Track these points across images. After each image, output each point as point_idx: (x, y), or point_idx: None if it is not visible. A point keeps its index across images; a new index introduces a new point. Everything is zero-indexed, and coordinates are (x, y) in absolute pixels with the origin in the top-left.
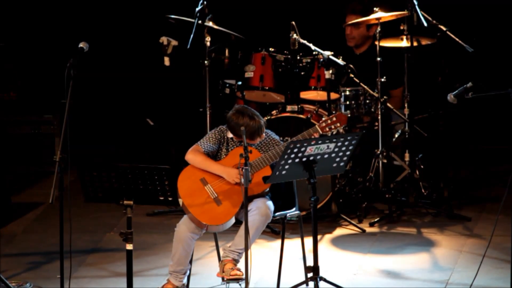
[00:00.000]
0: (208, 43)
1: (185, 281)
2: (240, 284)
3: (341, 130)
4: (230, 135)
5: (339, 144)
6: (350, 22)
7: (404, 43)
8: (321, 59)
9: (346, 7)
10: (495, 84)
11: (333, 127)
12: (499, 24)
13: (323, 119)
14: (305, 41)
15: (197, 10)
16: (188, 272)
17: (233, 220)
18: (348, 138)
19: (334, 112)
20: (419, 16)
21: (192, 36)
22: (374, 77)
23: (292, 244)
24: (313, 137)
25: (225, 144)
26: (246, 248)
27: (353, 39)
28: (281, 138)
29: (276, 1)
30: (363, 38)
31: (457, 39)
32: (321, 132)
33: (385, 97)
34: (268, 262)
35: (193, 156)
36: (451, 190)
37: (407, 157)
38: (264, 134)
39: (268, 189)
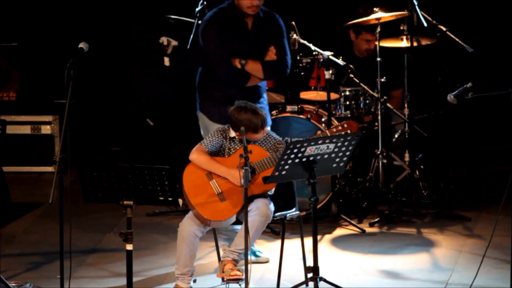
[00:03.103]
0: None
1: (192, 283)
2: (240, 285)
3: None
4: (232, 134)
5: (339, 144)
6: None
7: (404, 43)
8: (321, 59)
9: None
10: (495, 84)
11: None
12: (499, 24)
13: (334, 125)
14: (305, 41)
15: (197, 10)
16: (193, 273)
17: (234, 217)
18: (348, 138)
19: (334, 112)
20: (419, 16)
21: (192, 36)
22: (374, 77)
23: (292, 244)
24: None
25: (227, 143)
26: (246, 248)
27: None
28: (281, 138)
29: (276, 1)
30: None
31: (457, 39)
32: None
33: (385, 97)
34: (268, 262)
35: (197, 156)
36: (451, 190)
37: (407, 157)
38: (267, 128)
39: (273, 189)
